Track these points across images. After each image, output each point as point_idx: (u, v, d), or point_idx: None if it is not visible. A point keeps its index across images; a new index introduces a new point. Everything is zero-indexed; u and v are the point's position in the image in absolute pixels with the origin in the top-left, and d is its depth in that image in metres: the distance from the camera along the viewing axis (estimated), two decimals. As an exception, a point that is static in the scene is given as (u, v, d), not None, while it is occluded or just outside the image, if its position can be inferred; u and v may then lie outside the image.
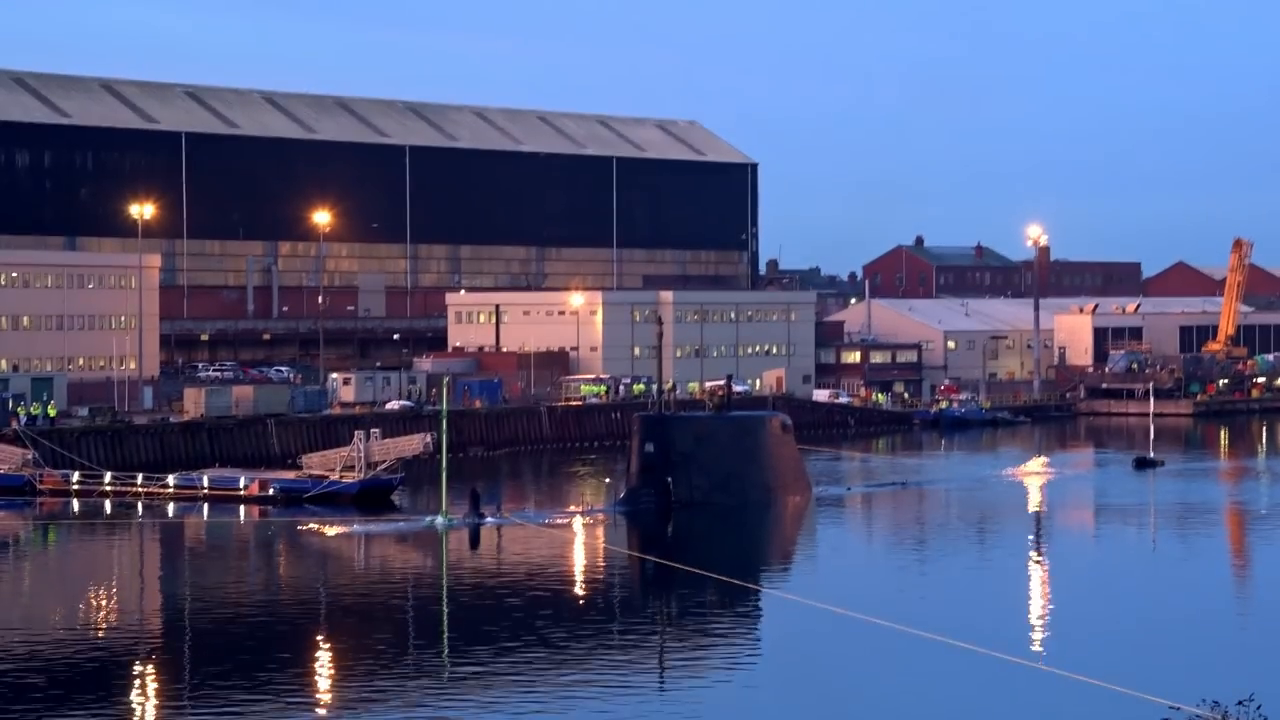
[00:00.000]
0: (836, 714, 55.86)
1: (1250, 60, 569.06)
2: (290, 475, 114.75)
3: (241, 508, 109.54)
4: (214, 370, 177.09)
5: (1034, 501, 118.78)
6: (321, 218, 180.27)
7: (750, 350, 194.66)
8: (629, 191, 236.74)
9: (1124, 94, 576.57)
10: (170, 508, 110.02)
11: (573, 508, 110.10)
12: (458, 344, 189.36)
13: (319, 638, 68.66)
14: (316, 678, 60.97)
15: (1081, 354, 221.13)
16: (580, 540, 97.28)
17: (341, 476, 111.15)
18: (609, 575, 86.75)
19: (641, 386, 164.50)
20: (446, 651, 65.48)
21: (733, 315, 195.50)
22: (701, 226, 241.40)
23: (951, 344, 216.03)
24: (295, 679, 59.57)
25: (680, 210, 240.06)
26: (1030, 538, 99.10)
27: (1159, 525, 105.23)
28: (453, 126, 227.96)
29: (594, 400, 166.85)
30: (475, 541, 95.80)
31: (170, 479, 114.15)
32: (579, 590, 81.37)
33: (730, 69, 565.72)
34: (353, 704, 55.76)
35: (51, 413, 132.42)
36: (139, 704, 56.50)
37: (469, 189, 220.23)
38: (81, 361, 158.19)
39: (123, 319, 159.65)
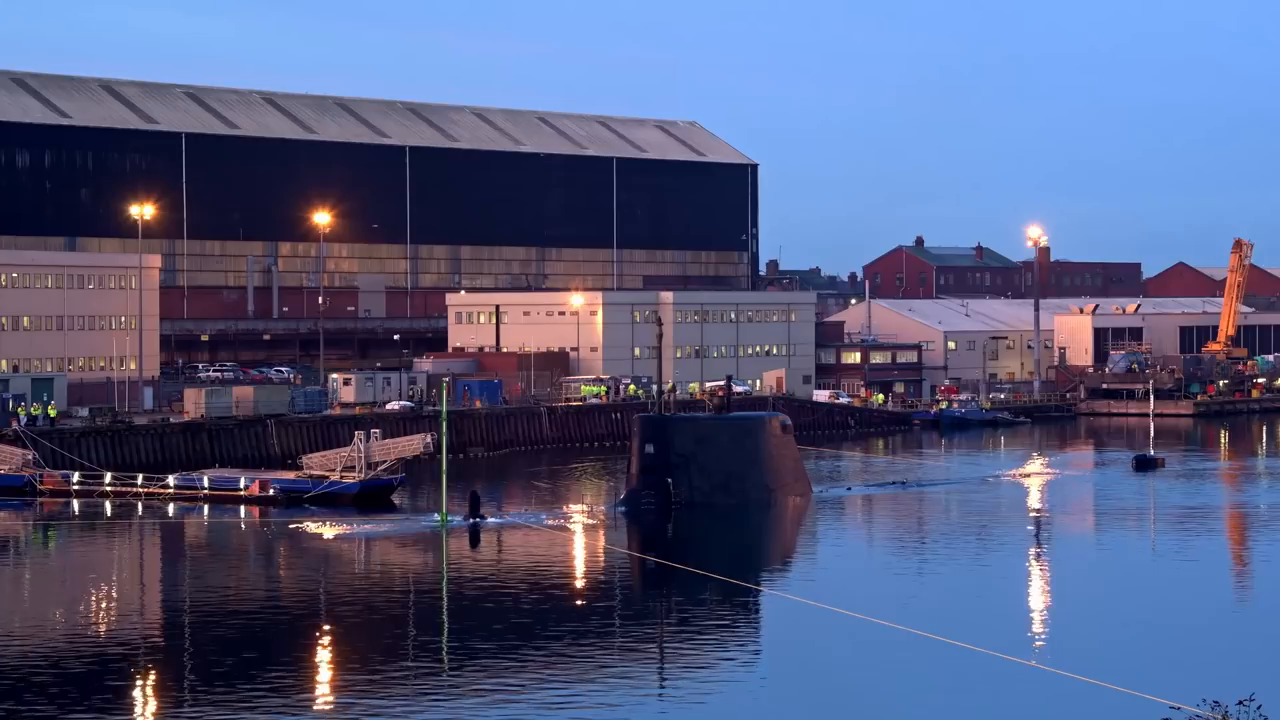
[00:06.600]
0: (836, 714, 55.85)
1: (1250, 61, 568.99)
2: (290, 476, 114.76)
3: (242, 508, 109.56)
4: (214, 371, 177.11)
5: (1034, 501, 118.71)
6: (322, 218, 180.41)
7: (750, 351, 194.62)
8: (629, 192, 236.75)
9: (1124, 94, 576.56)
10: (170, 508, 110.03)
11: (573, 508, 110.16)
12: (458, 344, 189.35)
13: (319, 638, 68.66)
14: (317, 678, 60.98)
15: (1082, 354, 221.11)
16: (580, 541, 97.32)
17: (342, 477, 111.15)
18: (609, 575, 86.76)
19: (639, 389, 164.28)
20: (446, 651, 65.48)
21: (733, 316, 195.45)
22: (701, 227, 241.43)
23: (952, 344, 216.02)
24: (295, 679, 59.57)
25: (680, 211, 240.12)
26: (1030, 538, 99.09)
27: (1159, 525, 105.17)
28: (453, 127, 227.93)
29: (594, 401, 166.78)
30: (475, 542, 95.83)
31: (170, 479, 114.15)
32: (579, 590, 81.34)
33: (730, 69, 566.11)
34: (353, 704, 55.74)
35: (52, 413, 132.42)
36: (139, 704, 56.53)
37: (469, 189, 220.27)
38: (82, 362, 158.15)
39: (123, 319, 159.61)
